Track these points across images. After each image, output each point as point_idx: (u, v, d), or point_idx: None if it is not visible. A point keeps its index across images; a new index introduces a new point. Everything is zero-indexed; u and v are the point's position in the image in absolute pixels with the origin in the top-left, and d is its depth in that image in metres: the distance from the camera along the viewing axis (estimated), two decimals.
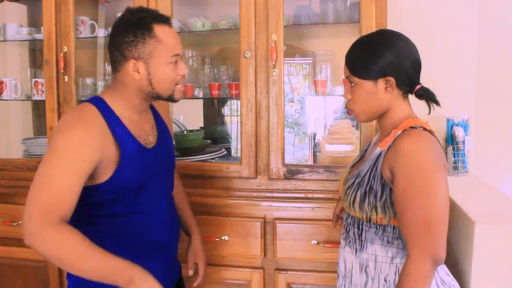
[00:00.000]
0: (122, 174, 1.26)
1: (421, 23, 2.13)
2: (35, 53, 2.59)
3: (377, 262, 1.24)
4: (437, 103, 1.25)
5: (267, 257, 1.90)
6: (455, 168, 1.99)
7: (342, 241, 1.37)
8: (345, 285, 1.34)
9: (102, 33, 2.21)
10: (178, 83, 1.34)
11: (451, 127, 2.00)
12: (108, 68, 2.35)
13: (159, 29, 1.27)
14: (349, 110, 1.32)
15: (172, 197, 1.50)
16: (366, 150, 1.41)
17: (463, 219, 1.38)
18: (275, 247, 1.88)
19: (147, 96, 1.33)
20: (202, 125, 2.61)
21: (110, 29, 1.37)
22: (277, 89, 1.90)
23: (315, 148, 2.43)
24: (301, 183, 1.93)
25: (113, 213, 1.30)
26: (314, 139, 2.46)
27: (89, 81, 2.37)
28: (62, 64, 2.07)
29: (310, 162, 2.42)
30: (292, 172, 1.93)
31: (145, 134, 1.37)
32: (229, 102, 2.63)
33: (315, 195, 1.89)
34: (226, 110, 2.66)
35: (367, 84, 1.24)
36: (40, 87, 2.20)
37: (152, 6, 1.92)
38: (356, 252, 1.29)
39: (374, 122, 1.84)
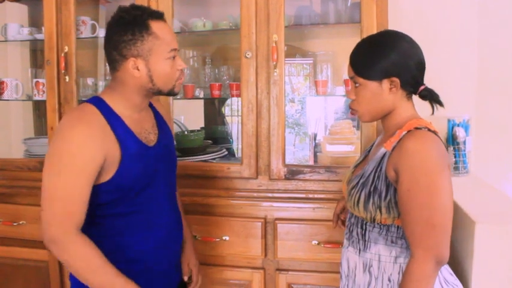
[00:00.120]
0: (124, 173, 1.26)
1: (422, 23, 2.13)
2: (36, 53, 2.59)
3: (381, 262, 1.25)
4: (441, 104, 1.26)
5: (268, 257, 1.90)
6: (456, 168, 1.99)
7: (345, 241, 1.37)
8: (348, 285, 1.34)
9: (103, 33, 2.19)
10: (178, 78, 1.34)
11: (452, 127, 2.00)
12: (109, 69, 2.35)
13: (155, 26, 1.27)
14: (353, 110, 1.32)
15: (174, 196, 1.50)
16: (369, 151, 1.41)
17: (464, 219, 1.38)
18: (276, 247, 1.88)
19: (147, 93, 1.33)
20: (203, 125, 2.61)
21: None
22: (278, 89, 1.90)
23: (316, 148, 2.43)
24: (301, 184, 1.93)
25: (114, 213, 1.30)
26: (315, 139, 2.46)
27: (89, 81, 2.37)
28: (62, 64, 2.07)
29: (311, 163, 2.42)
30: (292, 172, 1.93)
31: (146, 133, 1.37)
32: (229, 102, 2.62)
33: (315, 196, 1.89)
34: (227, 110, 2.66)
35: (372, 85, 1.24)
36: (41, 87, 2.21)
37: (153, 6, 1.92)
38: (359, 252, 1.29)
39: (375, 123, 1.84)
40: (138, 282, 1.31)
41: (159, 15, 1.30)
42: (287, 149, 1.98)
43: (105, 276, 1.21)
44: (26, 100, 2.43)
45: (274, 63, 1.88)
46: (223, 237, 1.90)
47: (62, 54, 2.08)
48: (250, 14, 1.90)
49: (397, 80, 1.22)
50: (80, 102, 2.11)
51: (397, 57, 1.21)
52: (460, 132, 1.98)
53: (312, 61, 2.39)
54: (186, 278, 1.58)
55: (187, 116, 2.59)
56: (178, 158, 1.58)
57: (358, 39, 1.76)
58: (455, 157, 1.99)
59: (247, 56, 1.91)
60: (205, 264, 1.86)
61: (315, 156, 2.41)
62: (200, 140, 2.33)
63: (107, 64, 2.40)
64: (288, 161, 2.00)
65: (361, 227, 1.29)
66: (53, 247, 1.20)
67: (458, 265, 1.40)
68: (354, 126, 2.34)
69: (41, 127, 2.60)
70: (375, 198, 1.22)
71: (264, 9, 1.89)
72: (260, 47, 1.91)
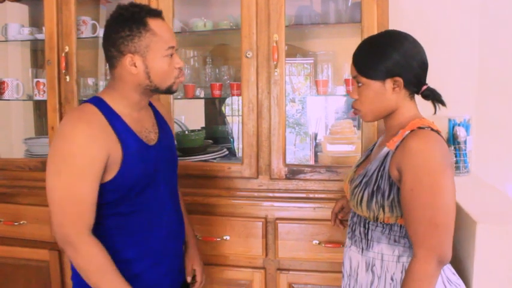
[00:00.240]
0: (126, 172, 1.27)
1: (423, 23, 2.13)
2: (37, 53, 2.59)
3: (383, 261, 1.25)
4: (443, 104, 1.26)
5: (269, 257, 1.90)
6: (457, 168, 1.99)
7: (348, 240, 1.37)
8: (350, 285, 1.34)
9: (103, 34, 2.21)
10: (177, 77, 1.34)
11: (453, 127, 2.00)
12: None
13: (153, 23, 1.28)
14: (355, 110, 1.32)
15: (176, 196, 1.50)
16: (371, 150, 1.42)
17: (465, 219, 1.38)
18: (276, 247, 1.88)
19: (145, 91, 1.33)
20: (203, 125, 2.61)
21: None
22: (278, 89, 1.90)
23: (316, 148, 2.43)
24: (302, 183, 1.93)
25: (115, 213, 1.30)
26: (315, 139, 2.46)
27: (90, 81, 2.37)
28: (63, 64, 2.07)
29: (312, 162, 2.42)
30: (293, 172, 1.93)
31: (147, 131, 1.38)
32: (230, 101, 2.62)
33: (316, 195, 1.89)
34: (227, 110, 2.66)
35: (375, 85, 1.24)
36: (41, 87, 2.21)
37: (154, 6, 1.91)
38: (362, 251, 1.29)
39: (376, 123, 1.84)
40: (139, 283, 1.31)
41: (157, 13, 1.31)
42: (288, 148, 1.98)
43: (112, 282, 1.22)
44: (26, 100, 2.43)
45: (275, 63, 1.88)
46: (224, 237, 1.90)
47: (63, 54, 2.07)
48: (250, 14, 1.90)
49: (400, 80, 1.22)
50: (81, 102, 2.11)
51: (400, 57, 1.22)
52: (460, 132, 1.98)
53: (312, 61, 2.39)
54: (189, 279, 1.58)
55: (188, 115, 2.59)
56: (179, 158, 1.58)
57: (358, 39, 1.78)
58: (456, 157, 1.99)
59: (247, 55, 1.91)
60: (206, 264, 1.85)
61: (316, 156, 2.41)
62: (201, 139, 2.33)
63: (107, 64, 2.42)
64: (288, 160, 2.00)
65: (364, 226, 1.29)
66: (67, 248, 1.22)
67: (459, 265, 1.41)
68: (354, 126, 2.34)
69: (42, 127, 2.60)
70: (378, 197, 1.22)
71: (264, 9, 1.89)
72: (261, 46, 1.91)
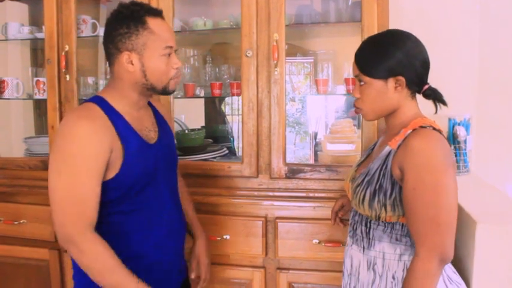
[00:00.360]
0: (127, 170, 1.27)
1: (423, 22, 2.12)
2: (37, 52, 2.59)
3: (385, 259, 1.25)
4: (444, 103, 1.27)
5: (269, 256, 1.90)
6: (457, 167, 1.99)
7: (349, 239, 1.37)
8: (350, 284, 1.34)
9: (103, 32, 2.20)
10: (173, 77, 1.34)
11: (453, 126, 2.00)
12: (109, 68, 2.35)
13: (152, 22, 1.29)
14: (357, 109, 1.32)
15: (177, 194, 1.50)
16: (373, 149, 1.42)
17: (465, 219, 1.38)
18: (276, 246, 1.88)
19: (143, 90, 1.33)
20: (203, 124, 2.61)
21: None
22: (278, 88, 1.90)
23: (316, 147, 2.43)
24: (302, 183, 1.93)
25: (114, 212, 1.30)
26: (315, 138, 2.46)
27: (90, 80, 2.37)
28: (63, 63, 2.07)
29: (312, 162, 2.42)
30: (293, 171, 1.93)
31: (147, 130, 1.38)
32: (230, 101, 2.62)
33: (316, 195, 1.89)
34: (227, 109, 2.66)
35: (377, 83, 1.25)
36: (41, 86, 2.20)
37: (154, 5, 1.91)
38: (364, 250, 1.29)
39: (376, 122, 1.84)
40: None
41: (157, 12, 1.32)
42: (288, 147, 1.98)
43: (118, 276, 1.22)
44: (26, 99, 2.43)
45: (275, 62, 1.88)
46: (224, 236, 1.90)
47: (63, 53, 2.07)
48: (251, 13, 1.89)
49: (402, 79, 1.23)
50: (81, 101, 2.11)
51: (402, 56, 1.22)
52: (460, 131, 1.98)
53: (312, 60, 2.39)
54: (192, 275, 1.57)
55: (188, 114, 2.59)
56: (178, 157, 1.58)
57: (358, 38, 1.78)
58: (456, 156, 1.99)
59: (247, 54, 1.91)
60: None
61: (316, 155, 2.41)
62: (201, 138, 2.33)
63: (107, 63, 2.42)
64: (288, 159, 2.00)
65: (366, 225, 1.29)
66: (70, 247, 1.21)
67: (459, 264, 1.40)
68: (354, 125, 2.34)
69: (42, 126, 2.60)
70: (380, 196, 1.23)
71: (264, 8, 1.89)
72: (261, 46, 1.90)
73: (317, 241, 1.84)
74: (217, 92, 2.16)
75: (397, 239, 1.24)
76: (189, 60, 2.38)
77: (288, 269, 1.89)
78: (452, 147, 1.99)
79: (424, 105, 1.30)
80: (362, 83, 1.28)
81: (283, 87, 1.90)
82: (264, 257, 1.90)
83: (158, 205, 1.38)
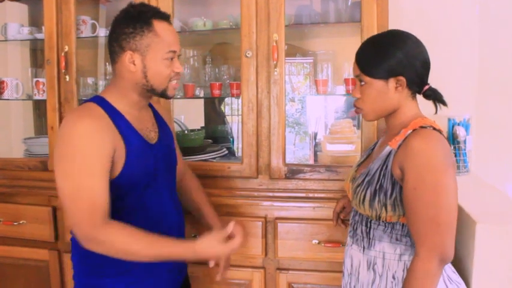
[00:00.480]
0: (129, 169, 1.28)
1: (423, 22, 2.12)
2: (36, 53, 2.59)
3: (385, 259, 1.25)
4: (444, 104, 1.27)
5: (268, 257, 1.90)
6: (457, 167, 1.99)
7: (349, 239, 1.37)
8: (350, 284, 1.34)
9: (103, 32, 2.21)
10: (172, 79, 1.35)
11: (453, 126, 2.00)
12: (109, 68, 2.35)
13: (158, 25, 1.30)
14: (357, 109, 1.33)
15: (176, 194, 1.50)
16: (373, 149, 1.42)
17: (465, 219, 1.38)
18: (276, 247, 1.87)
19: (143, 91, 1.34)
20: (203, 125, 2.61)
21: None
22: (278, 88, 1.90)
23: (316, 148, 2.43)
24: (302, 183, 1.93)
25: (118, 211, 1.30)
26: (315, 138, 2.46)
27: (90, 80, 2.37)
28: (63, 64, 2.07)
29: (311, 162, 2.42)
30: (293, 172, 1.93)
31: (147, 130, 1.39)
32: (230, 101, 2.62)
33: (316, 195, 1.89)
34: (227, 110, 2.66)
35: (378, 83, 1.25)
36: (41, 86, 2.20)
37: (153, 5, 1.91)
38: (364, 250, 1.29)
39: (375, 122, 1.84)
40: (138, 282, 1.31)
41: (164, 16, 1.34)
42: (287, 148, 1.98)
43: (162, 246, 1.23)
44: (26, 100, 2.43)
45: (275, 62, 1.88)
46: None
47: (62, 54, 2.07)
48: (250, 13, 1.89)
49: (403, 79, 1.23)
50: (80, 101, 2.11)
51: (403, 56, 1.22)
52: (460, 131, 1.98)
53: (312, 60, 2.39)
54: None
55: (188, 115, 2.59)
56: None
57: (358, 39, 1.78)
58: (455, 156, 1.99)
59: (247, 55, 1.91)
60: (206, 264, 1.85)
61: (315, 155, 2.41)
62: (200, 139, 2.33)
63: (107, 64, 2.43)
64: (288, 160, 2.00)
65: (366, 225, 1.29)
66: (90, 244, 1.21)
67: (459, 264, 1.40)
68: (354, 126, 2.34)
69: (41, 127, 2.60)
70: (380, 196, 1.23)
71: (264, 9, 1.89)
72: (260, 46, 1.90)
73: (317, 241, 1.84)
74: (217, 92, 2.16)
75: (397, 239, 1.24)
76: (189, 60, 2.38)
77: (288, 269, 1.89)
78: (452, 148, 1.99)
79: (424, 105, 1.30)
80: (363, 83, 1.28)
81: (282, 87, 1.90)
82: (263, 257, 1.90)
83: (158, 205, 1.38)
